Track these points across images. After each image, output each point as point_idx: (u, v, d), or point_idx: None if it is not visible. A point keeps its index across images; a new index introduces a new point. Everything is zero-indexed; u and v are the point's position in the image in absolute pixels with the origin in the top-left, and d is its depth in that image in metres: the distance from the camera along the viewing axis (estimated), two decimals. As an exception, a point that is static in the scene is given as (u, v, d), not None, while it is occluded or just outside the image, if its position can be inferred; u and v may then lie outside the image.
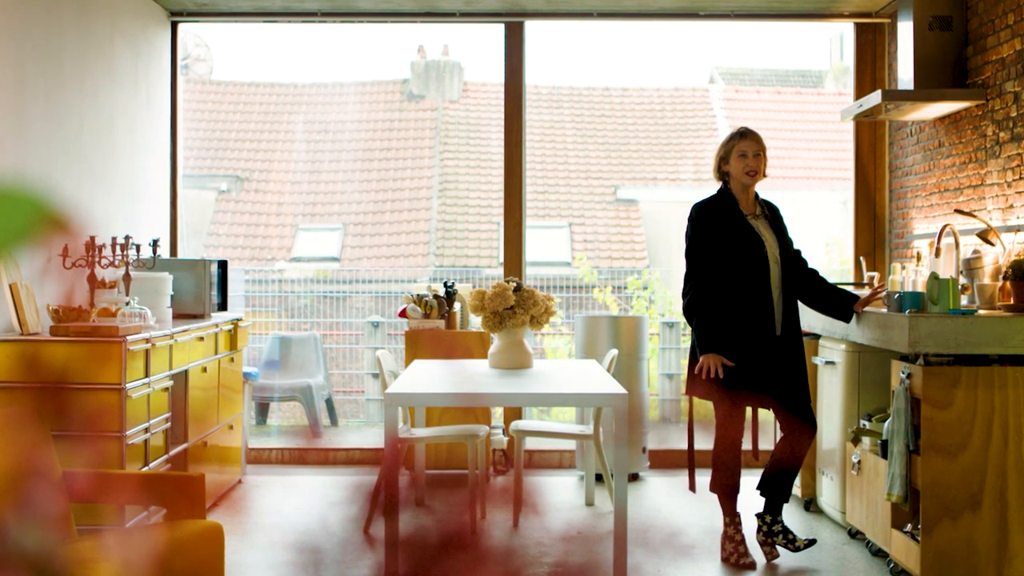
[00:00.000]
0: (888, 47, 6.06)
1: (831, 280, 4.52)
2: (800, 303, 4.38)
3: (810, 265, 4.43)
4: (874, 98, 5.06)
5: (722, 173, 4.32)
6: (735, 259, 4.18)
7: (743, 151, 4.24)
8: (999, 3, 4.65)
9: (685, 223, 4.33)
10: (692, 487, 4.42)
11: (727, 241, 4.19)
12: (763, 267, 4.19)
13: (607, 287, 10.88)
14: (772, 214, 4.33)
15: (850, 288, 4.81)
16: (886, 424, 4.06)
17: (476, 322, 5.84)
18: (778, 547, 4.28)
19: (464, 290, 5.96)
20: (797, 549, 4.24)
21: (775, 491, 4.27)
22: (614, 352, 5.07)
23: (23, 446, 3.09)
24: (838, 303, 4.34)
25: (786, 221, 4.40)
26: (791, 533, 4.26)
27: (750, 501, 4.53)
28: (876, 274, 5.86)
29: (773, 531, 4.26)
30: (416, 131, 13.34)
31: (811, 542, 4.28)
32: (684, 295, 4.26)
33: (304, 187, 13.03)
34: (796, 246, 4.37)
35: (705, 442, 4.59)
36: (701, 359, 4.15)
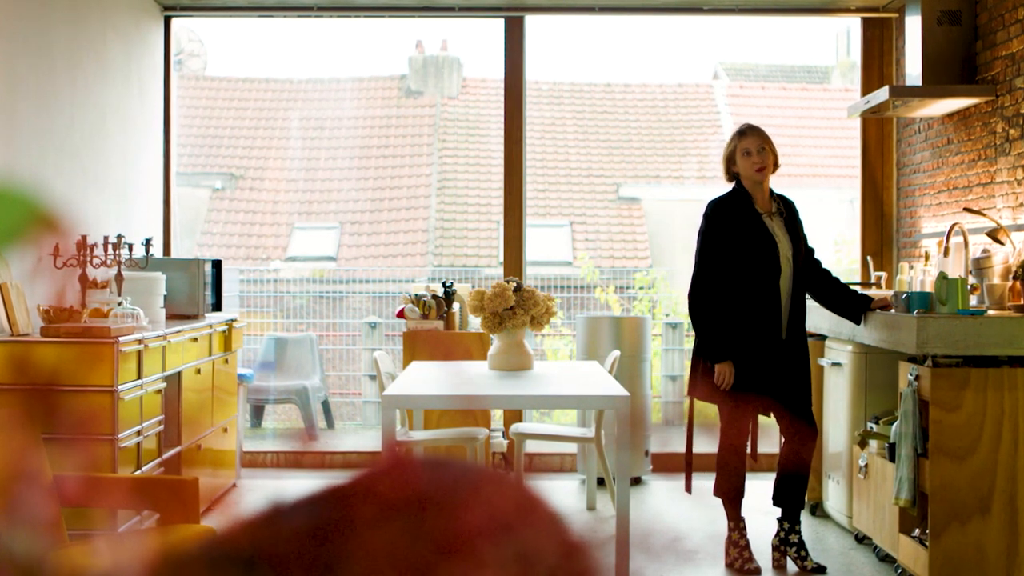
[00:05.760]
0: (896, 42, 5.99)
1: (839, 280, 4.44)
2: (813, 301, 4.33)
3: (823, 266, 4.36)
4: (881, 94, 4.99)
5: (732, 174, 4.25)
6: (746, 260, 4.10)
7: (747, 149, 4.17)
8: (1009, -3, 4.57)
9: (688, 221, 4.26)
10: (688, 488, 4.36)
11: (740, 241, 4.12)
12: (774, 269, 4.11)
13: (609, 287, 10.80)
14: (788, 211, 4.25)
15: (857, 288, 4.73)
16: (894, 427, 3.99)
17: (475, 323, 5.77)
18: (788, 558, 4.21)
19: (463, 290, 5.89)
20: (804, 569, 4.17)
21: (787, 499, 4.21)
22: (616, 353, 5.00)
23: (13, 449, 3.03)
24: (851, 305, 4.26)
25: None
26: (805, 550, 4.18)
27: (754, 505, 4.46)
28: (883, 274, 5.77)
29: (788, 541, 4.20)
30: (414, 128, 13.26)
31: (821, 569, 4.18)
32: (691, 295, 4.19)
33: (300, 185, 12.96)
34: (810, 244, 4.30)
35: (708, 445, 4.52)
36: (717, 368, 4.08)
